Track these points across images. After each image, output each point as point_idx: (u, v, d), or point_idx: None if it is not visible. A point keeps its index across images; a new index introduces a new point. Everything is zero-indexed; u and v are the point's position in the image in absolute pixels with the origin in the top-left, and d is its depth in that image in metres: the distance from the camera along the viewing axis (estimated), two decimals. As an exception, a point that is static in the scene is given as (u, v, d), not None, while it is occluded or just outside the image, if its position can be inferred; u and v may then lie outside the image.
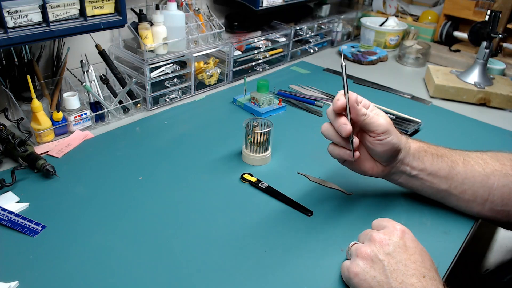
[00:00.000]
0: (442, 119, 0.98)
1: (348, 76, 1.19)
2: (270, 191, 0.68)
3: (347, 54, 1.33)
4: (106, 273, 0.51)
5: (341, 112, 0.56)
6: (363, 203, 0.67)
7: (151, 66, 0.90)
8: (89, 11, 0.71)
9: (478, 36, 1.10)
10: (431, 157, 0.61)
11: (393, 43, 1.44)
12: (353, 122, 0.56)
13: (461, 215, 0.64)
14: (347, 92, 0.56)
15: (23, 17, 0.64)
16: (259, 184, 0.69)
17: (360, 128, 0.59)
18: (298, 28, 1.25)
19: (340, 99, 0.55)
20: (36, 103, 0.75)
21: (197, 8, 1.05)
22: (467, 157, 0.62)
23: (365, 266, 0.48)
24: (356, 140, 0.57)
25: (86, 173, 0.70)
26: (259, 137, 0.73)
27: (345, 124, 0.55)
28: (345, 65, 0.57)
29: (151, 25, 0.91)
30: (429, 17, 1.53)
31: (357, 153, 0.58)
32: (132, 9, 0.92)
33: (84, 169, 0.71)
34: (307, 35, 1.30)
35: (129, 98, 0.89)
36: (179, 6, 0.97)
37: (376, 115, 0.57)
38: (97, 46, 0.87)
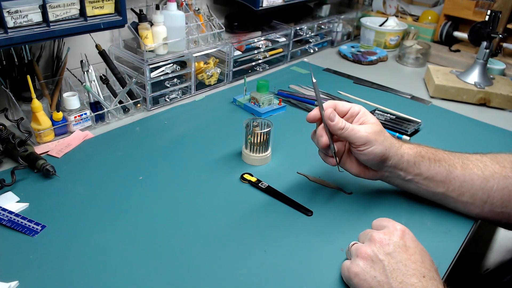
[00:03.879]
0: (442, 119, 0.98)
1: (348, 76, 1.19)
2: (270, 191, 0.68)
3: (347, 54, 1.33)
4: (106, 273, 0.51)
5: (316, 122, 0.61)
6: (363, 203, 0.67)
7: (151, 66, 0.90)
8: (89, 11, 0.71)
9: (478, 36, 1.10)
10: (428, 162, 0.61)
11: (393, 43, 1.44)
12: (334, 133, 0.60)
13: (461, 215, 0.64)
14: (322, 108, 0.60)
15: (23, 17, 0.64)
16: (259, 184, 0.69)
17: None
18: (298, 28, 1.25)
19: (312, 112, 0.60)
20: (36, 103, 0.75)
21: (197, 8, 1.05)
22: (466, 160, 0.62)
23: (365, 266, 0.48)
24: (336, 149, 0.61)
25: (86, 173, 0.70)
26: (259, 137, 0.73)
27: (321, 137, 0.60)
28: (316, 82, 0.61)
29: (151, 25, 0.91)
30: (429, 17, 1.53)
31: (332, 161, 0.63)
32: (132, 9, 0.92)
33: (84, 169, 0.71)
34: (307, 35, 1.30)
35: (129, 98, 0.89)
36: (179, 6, 0.97)
37: (357, 126, 0.59)
38: (97, 46, 0.87)
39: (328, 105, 0.60)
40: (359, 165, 0.64)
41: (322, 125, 0.61)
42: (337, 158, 0.62)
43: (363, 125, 0.60)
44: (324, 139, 0.60)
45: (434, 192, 0.62)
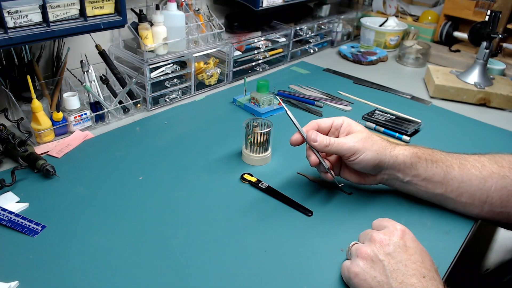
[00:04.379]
0: (442, 119, 0.98)
1: (348, 77, 1.19)
2: (270, 191, 0.68)
3: (347, 54, 1.33)
4: (106, 273, 0.51)
5: (299, 144, 0.64)
6: (363, 203, 0.67)
7: (151, 66, 0.90)
8: (89, 11, 0.71)
9: (478, 36, 1.10)
10: (425, 163, 0.61)
11: (393, 43, 1.44)
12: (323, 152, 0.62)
13: (461, 215, 0.64)
14: (302, 132, 0.63)
15: (23, 17, 0.65)
16: (259, 184, 0.69)
17: None
18: (298, 28, 1.25)
19: (293, 136, 0.64)
20: (36, 103, 0.75)
21: (197, 8, 1.05)
22: (463, 160, 0.62)
23: (365, 266, 0.48)
24: (328, 165, 0.64)
25: (86, 173, 0.70)
26: (259, 137, 0.73)
27: (309, 157, 0.63)
28: (289, 111, 0.66)
29: (151, 25, 0.91)
30: (429, 17, 1.53)
31: (328, 176, 0.64)
32: (132, 9, 0.92)
33: (84, 169, 0.71)
34: (307, 35, 1.30)
35: (129, 98, 0.89)
36: (179, 6, 0.97)
37: (343, 139, 0.61)
38: (97, 46, 0.87)
39: (310, 126, 0.63)
40: (357, 174, 0.65)
41: (308, 145, 0.63)
42: (332, 173, 0.64)
43: (349, 135, 0.61)
44: (313, 158, 0.62)
45: (433, 193, 0.62)
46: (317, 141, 0.60)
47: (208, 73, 1.03)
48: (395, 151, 0.61)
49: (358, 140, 0.60)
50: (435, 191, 0.62)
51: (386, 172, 0.62)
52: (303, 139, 0.63)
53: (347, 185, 0.70)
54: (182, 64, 0.97)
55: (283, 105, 0.68)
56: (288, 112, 0.66)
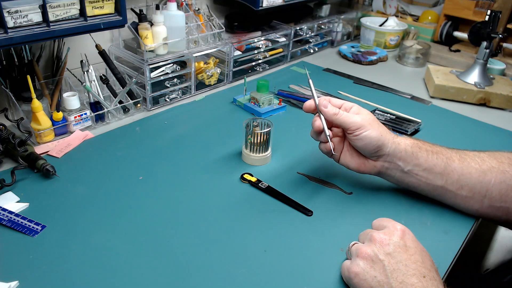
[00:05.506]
0: (442, 119, 0.98)
1: (348, 76, 1.19)
2: (270, 191, 0.68)
3: (347, 54, 1.33)
4: (106, 273, 0.51)
5: (311, 112, 0.66)
6: (363, 203, 0.67)
7: (151, 66, 0.90)
8: (89, 11, 0.71)
9: (478, 36, 1.10)
10: (425, 153, 0.62)
11: (393, 43, 1.44)
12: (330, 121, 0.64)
13: (461, 214, 0.64)
14: (315, 96, 0.65)
15: (23, 17, 0.65)
16: (259, 184, 0.69)
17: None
18: (298, 28, 1.25)
19: (307, 102, 0.65)
20: (36, 103, 0.75)
21: (197, 8, 1.05)
22: (463, 154, 0.63)
23: (366, 266, 0.48)
24: (329, 133, 0.64)
25: (86, 173, 0.70)
26: (259, 137, 0.73)
27: (315, 121, 0.64)
28: (310, 80, 0.68)
29: (151, 25, 0.91)
30: (429, 17, 1.53)
31: (328, 145, 0.64)
32: (132, 9, 0.92)
33: (84, 169, 0.71)
34: (307, 35, 1.30)
35: (129, 98, 0.89)
36: (179, 6, 0.97)
37: (352, 113, 0.62)
38: (97, 46, 0.87)
39: (323, 99, 0.64)
40: (358, 158, 0.65)
41: (317, 113, 0.64)
42: (332, 144, 0.64)
43: (357, 114, 0.62)
44: (317, 123, 0.63)
45: (433, 185, 0.62)
46: (327, 107, 0.62)
47: (208, 73, 1.03)
48: (397, 139, 0.63)
49: (365, 118, 0.61)
50: (435, 183, 0.62)
51: (387, 159, 0.63)
52: (315, 108, 0.64)
53: (347, 185, 0.70)
54: (182, 64, 0.97)
55: (306, 72, 0.71)
56: (310, 81, 0.68)
